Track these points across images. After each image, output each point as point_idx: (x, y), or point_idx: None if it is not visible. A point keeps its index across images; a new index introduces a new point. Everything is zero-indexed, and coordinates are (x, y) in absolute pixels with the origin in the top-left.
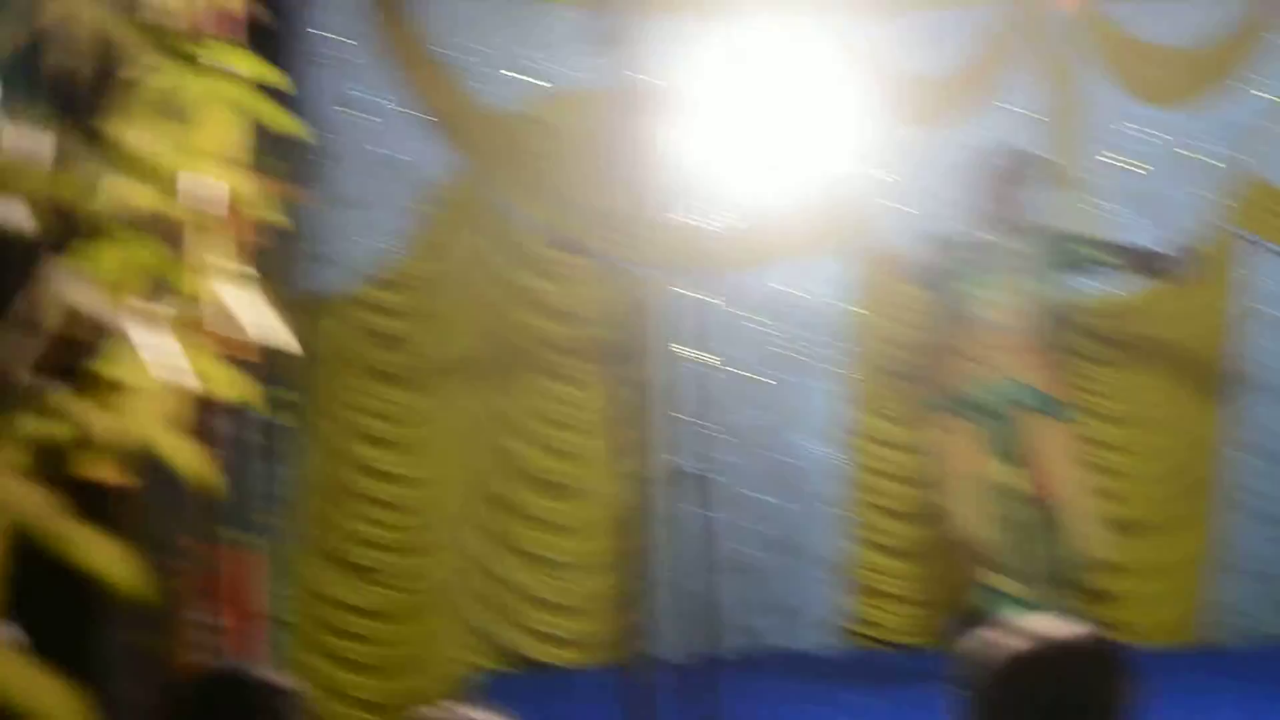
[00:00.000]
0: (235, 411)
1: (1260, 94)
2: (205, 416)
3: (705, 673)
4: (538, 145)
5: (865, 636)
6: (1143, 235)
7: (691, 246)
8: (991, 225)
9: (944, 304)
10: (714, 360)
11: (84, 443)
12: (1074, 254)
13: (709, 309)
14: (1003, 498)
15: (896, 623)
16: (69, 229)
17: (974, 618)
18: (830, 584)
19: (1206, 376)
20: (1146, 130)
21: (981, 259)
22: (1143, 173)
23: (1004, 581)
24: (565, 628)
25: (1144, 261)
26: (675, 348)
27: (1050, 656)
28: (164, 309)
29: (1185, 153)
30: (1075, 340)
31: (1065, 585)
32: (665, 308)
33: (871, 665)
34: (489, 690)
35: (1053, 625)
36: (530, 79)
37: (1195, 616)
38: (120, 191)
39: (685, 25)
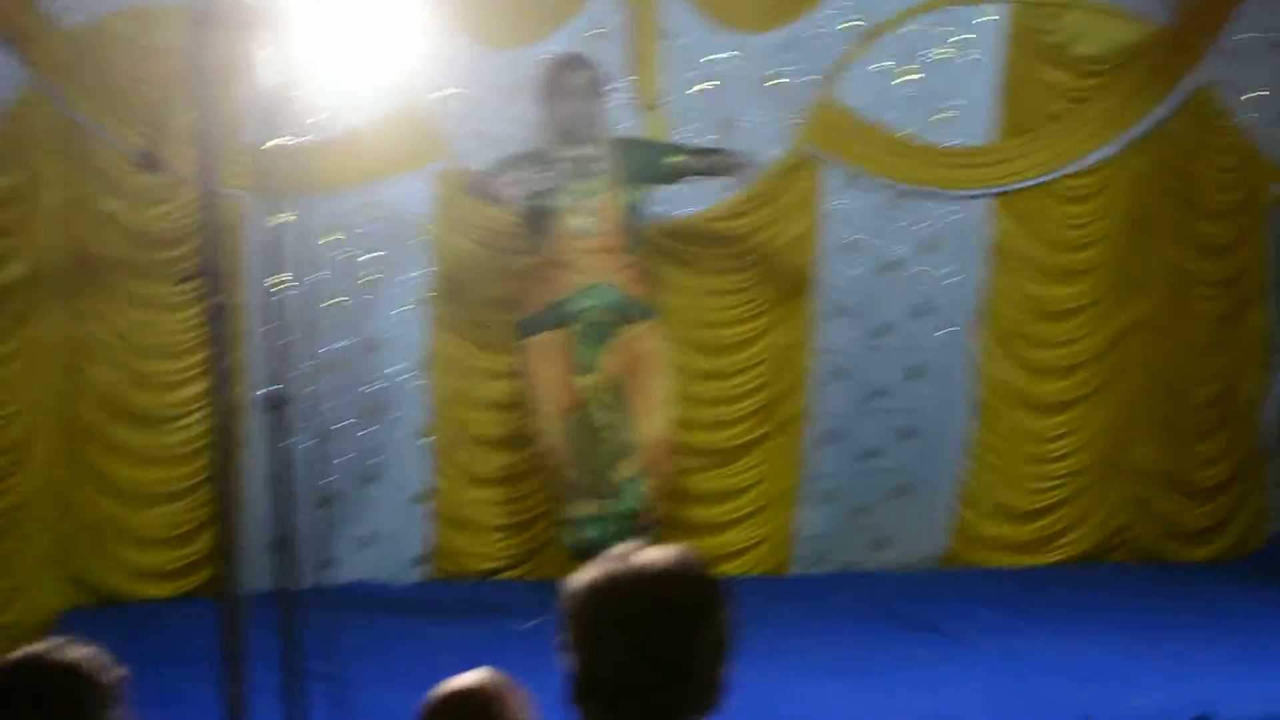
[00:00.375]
0: None
1: (833, 16)
2: None
3: (291, 604)
4: (114, 62)
5: (451, 568)
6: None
7: (275, 167)
8: (564, 136)
9: (526, 216)
10: (299, 284)
11: None
12: (650, 161)
13: (294, 231)
14: (589, 413)
15: (485, 551)
16: None
17: (577, 548)
18: (417, 514)
19: (794, 301)
20: (724, 53)
21: (559, 169)
22: (718, 93)
23: (587, 506)
24: (152, 560)
25: (715, 160)
26: (262, 272)
27: (641, 578)
28: None
29: (763, 75)
30: (665, 251)
31: (639, 497)
32: (251, 230)
33: (460, 596)
34: (76, 626)
35: (644, 550)
36: None
37: (789, 547)
38: None
39: None
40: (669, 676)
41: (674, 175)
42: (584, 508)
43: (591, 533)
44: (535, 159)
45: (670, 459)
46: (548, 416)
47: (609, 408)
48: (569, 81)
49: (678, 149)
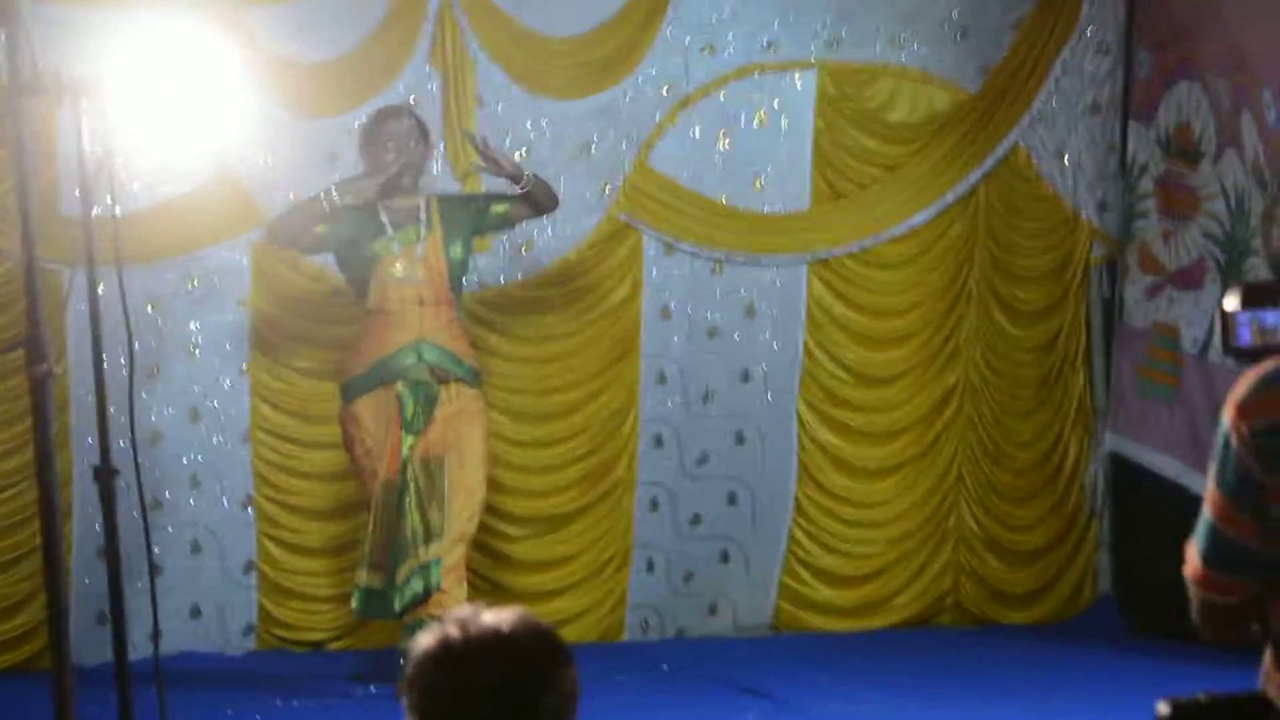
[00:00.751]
0: None
1: (645, 83)
2: None
3: (118, 677)
4: None
5: (277, 636)
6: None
7: (94, 237)
8: (387, 185)
9: (348, 271)
10: (125, 355)
11: None
12: (478, 212)
13: (113, 302)
14: (404, 480)
15: (313, 622)
16: None
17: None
18: (243, 584)
19: (617, 367)
20: (538, 120)
21: (380, 221)
22: (533, 160)
23: (374, 577)
24: None
25: (536, 195)
26: (83, 343)
27: (484, 642)
28: None
29: (577, 143)
30: (485, 321)
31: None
32: (70, 300)
33: (290, 666)
34: None
35: (485, 614)
36: None
37: (620, 614)
38: None
39: (80, 11)
40: None
41: (503, 222)
42: (371, 578)
43: (375, 607)
44: (358, 208)
45: (469, 542)
46: (363, 477)
47: (420, 489)
48: (392, 129)
49: (501, 197)
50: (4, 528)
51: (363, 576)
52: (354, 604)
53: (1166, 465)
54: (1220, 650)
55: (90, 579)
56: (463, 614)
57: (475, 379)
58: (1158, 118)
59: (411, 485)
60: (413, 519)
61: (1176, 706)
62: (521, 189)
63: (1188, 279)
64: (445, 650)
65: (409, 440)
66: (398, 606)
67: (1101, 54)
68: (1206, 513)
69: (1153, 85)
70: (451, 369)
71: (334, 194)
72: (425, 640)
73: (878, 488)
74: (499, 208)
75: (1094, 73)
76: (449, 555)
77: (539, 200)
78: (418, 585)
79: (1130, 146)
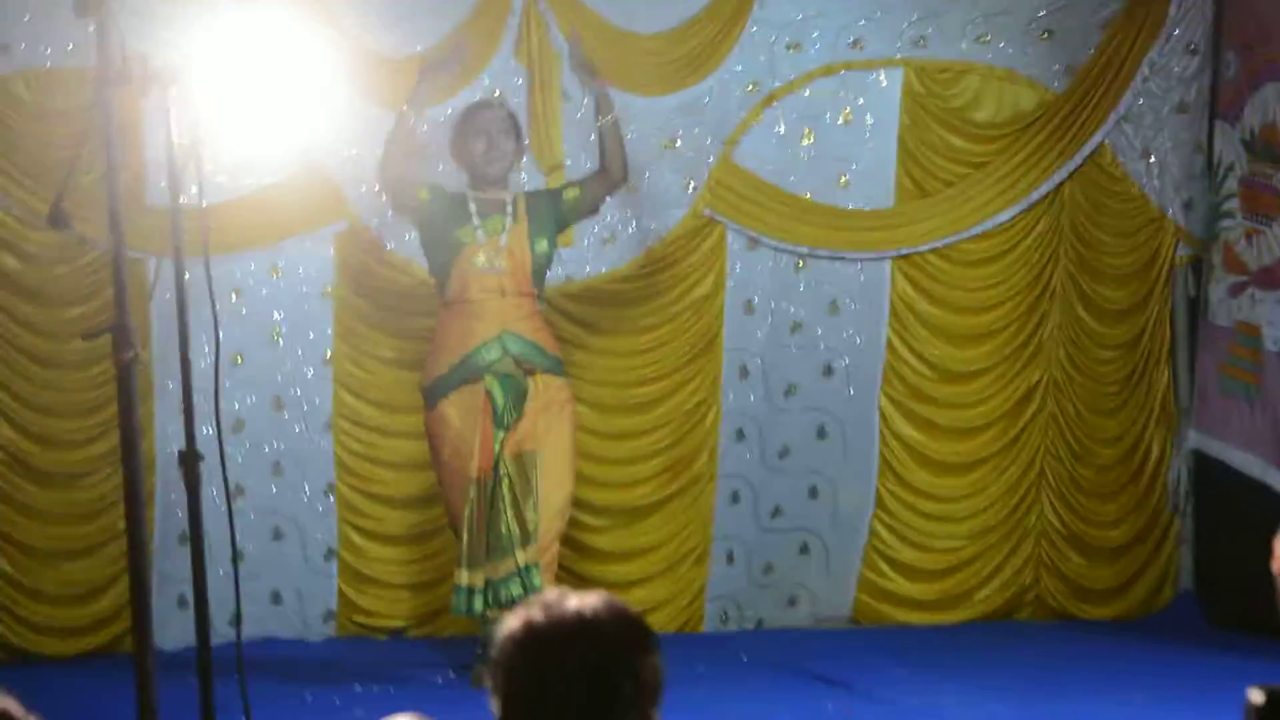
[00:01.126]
0: None
1: (730, 80)
2: None
3: (199, 662)
4: (13, 124)
5: (357, 623)
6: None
7: (179, 227)
8: (476, 176)
9: (433, 256)
10: (210, 343)
11: None
12: (553, 205)
13: (201, 291)
14: (498, 477)
15: (393, 609)
16: None
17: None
18: (324, 571)
19: (700, 361)
20: (625, 114)
21: (468, 209)
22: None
23: (474, 576)
24: (62, 616)
25: (607, 175)
26: (167, 331)
27: (568, 625)
28: None
29: (662, 139)
30: (568, 314)
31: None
32: (156, 289)
33: (369, 653)
34: None
35: (571, 597)
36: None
37: (699, 605)
38: None
39: (167, 2)
40: (607, 713)
41: (579, 206)
42: (473, 577)
43: (477, 605)
44: (448, 197)
45: (560, 537)
46: (451, 478)
47: (514, 485)
48: (483, 119)
49: (570, 183)
50: (88, 513)
51: (463, 576)
52: (456, 603)
53: (1249, 463)
54: None
55: (172, 564)
56: (549, 597)
57: (561, 369)
58: (1244, 118)
59: (505, 481)
60: (508, 519)
61: (1272, 695)
62: (600, 122)
63: (1270, 278)
64: (528, 632)
65: (500, 435)
66: (491, 603)
67: (1189, 54)
68: None
69: (1239, 86)
70: (538, 360)
71: (408, 111)
72: (510, 622)
73: (959, 482)
74: (571, 193)
75: (1181, 73)
76: (545, 554)
77: (610, 167)
78: (515, 589)
79: (1217, 147)
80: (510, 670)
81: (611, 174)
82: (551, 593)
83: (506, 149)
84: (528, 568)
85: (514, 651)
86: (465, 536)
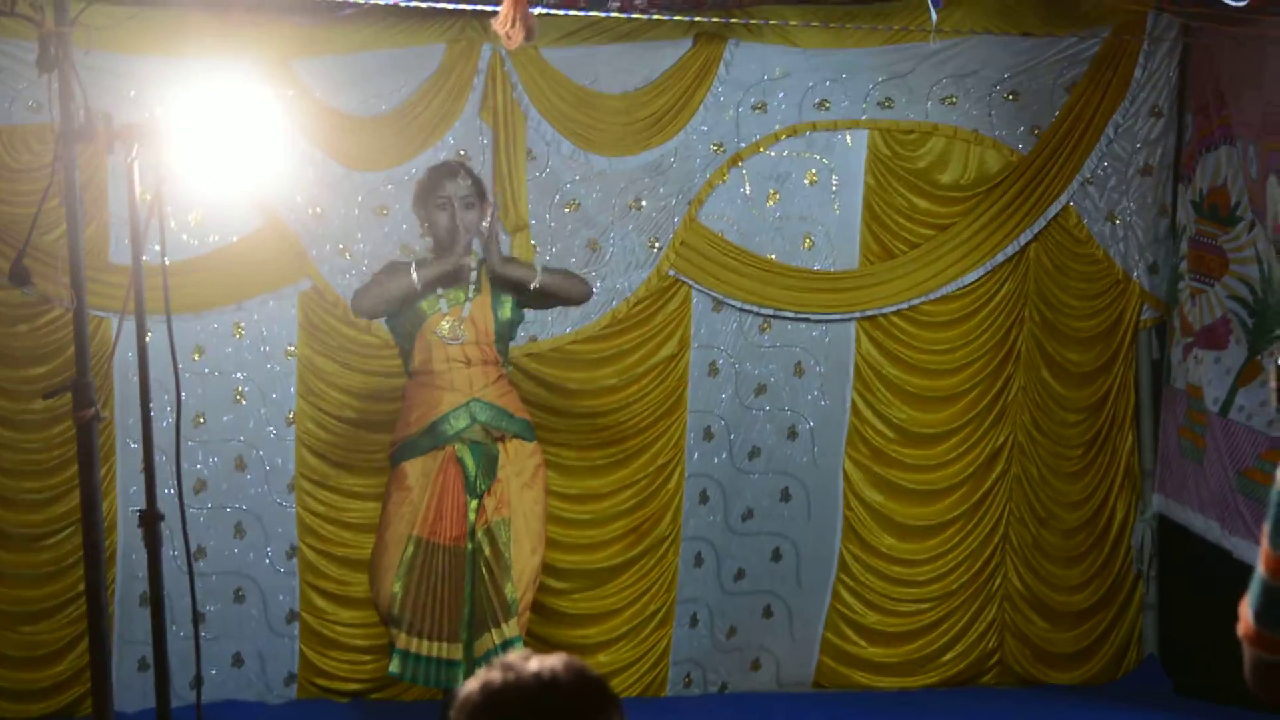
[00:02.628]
0: None
1: (695, 141)
2: None
3: None
4: None
5: (319, 686)
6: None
7: (143, 285)
8: (440, 244)
9: (398, 329)
10: (172, 403)
11: None
12: (512, 274)
13: (160, 350)
14: (471, 547)
15: (350, 671)
16: None
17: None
18: (285, 633)
19: (664, 423)
20: (590, 173)
21: (433, 279)
22: (583, 215)
23: (451, 649)
24: (17, 679)
25: (570, 286)
26: (129, 390)
27: (530, 687)
28: None
29: (627, 199)
30: (533, 375)
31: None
32: (117, 348)
33: (326, 715)
34: None
35: (532, 659)
36: None
37: (664, 669)
38: None
39: (131, 59)
40: None
41: (541, 304)
42: (410, 642)
43: (420, 670)
44: (408, 264)
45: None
46: (390, 534)
47: (489, 557)
48: (449, 190)
49: (542, 273)
50: (48, 574)
51: (401, 639)
52: (393, 667)
53: (1209, 527)
54: (1272, 712)
55: (133, 626)
56: (508, 659)
57: (530, 433)
58: (1194, 179)
59: (481, 555)
60: (487, 593)
61: None
62: (533, 288)
63: (1211, 338)
64: (486, 695)
65: (474, 504)
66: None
67: (1154, 117)
68: (1260, 570)
69: (1194, 148)
70: (506, 425)
71: (414, 274)
72: (469, 685)
73: (923, 546)
74: (536, 285)
75: (1146, 135)
76: (522, 624)
77: (571, 299)
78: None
79: (1179, 209)
80: None
81: (574, 301)
82: (512, 655)
83: (470, 222)
84: (509, 642)
85: (471, 714)
86: (400, 598)
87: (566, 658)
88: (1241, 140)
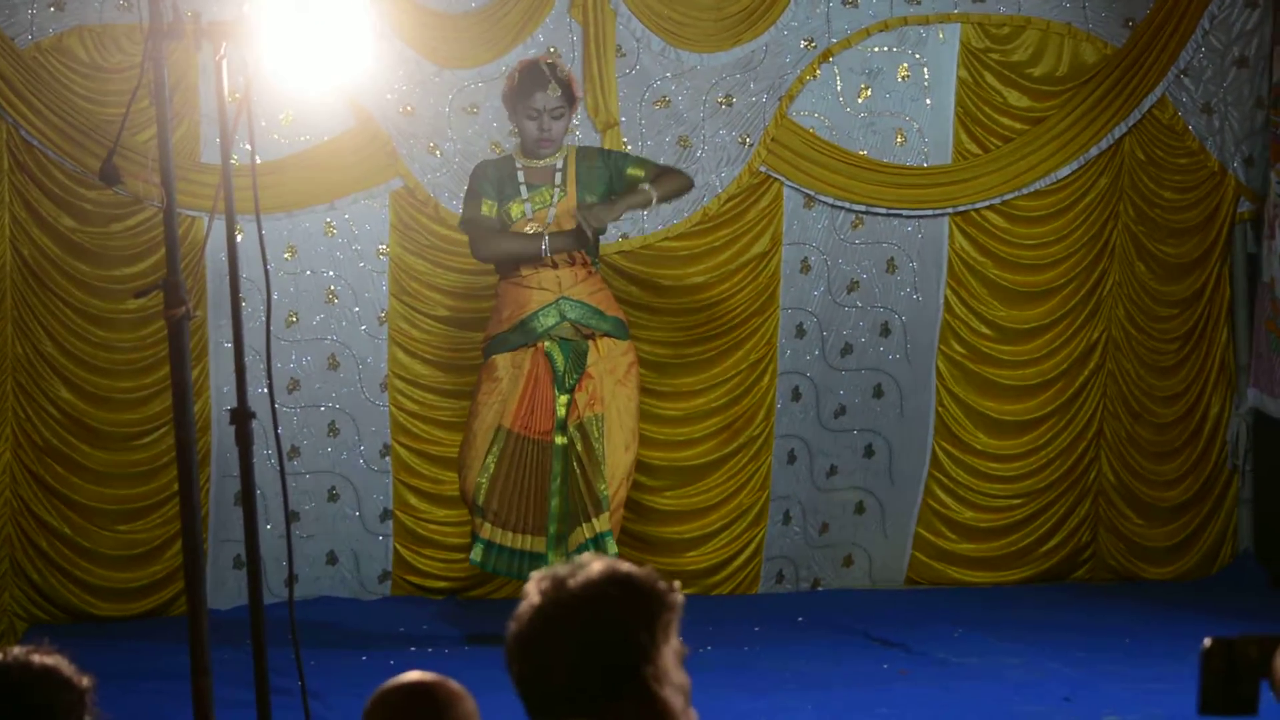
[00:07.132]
0: None
1: (787, 37)
2: None
3: (253, 622)
4: (67, 81)
5: (412, 583)
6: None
7: (231, 185)
8: (529, 147)
9: (491, 228)
10: (263, 302)
11: None
12: (614, 170)
13: (252, 250)
14: (561, 443)
15: (442, 569)
16: None
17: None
18: (379, 531)
19: (755, 320)
20: (681, 70)
21: (517, 183)
22: (673, 112)
23: (534, 541)
24: (117, 578)
25: (672, 183)
26: (221, 290)
27: (577, 595)
28: None
29: (718, 95)
30: (624, 272)
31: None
32: (209, 248)
33: (419, 612)
34: (42, 642)
35: (584, 567)
36: (53, 8)
37: (756, 565)
38: None
39: None
40: (614, 685)
41: (632, 189)
42: (495, 533)
43: (502, 562)
44: (501, 165)
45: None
46: (478, 424)
47: (581, 453)
48: (537, 101)
49: (641, 163)
50: (141, 474)
51: (485, 529)
52: (475, 555)
53: None
54: None
55: (228, 525)
56: (557, 571)
57: (623, 331)
58: None
59: (573, 450)
60: (579, 488)
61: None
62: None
63: None
64: (541, 604)
65: (563, 399)
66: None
67: (1249, 7)
68: None
69: None
70: (596, 323)
71: (544, 245)
72: (526, 593)
73: (1017, 441)
74: (637, 172)
75: (1242, 26)
76: (615, 520)
77: (675, 192)
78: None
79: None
80: (525, 643)
81: (684, 194)
82: (561, 566)
83: (557, 133)
84: (601, 536)
85: (528, 624)
86: (486, 489)
87: (611, 564)
88: None
